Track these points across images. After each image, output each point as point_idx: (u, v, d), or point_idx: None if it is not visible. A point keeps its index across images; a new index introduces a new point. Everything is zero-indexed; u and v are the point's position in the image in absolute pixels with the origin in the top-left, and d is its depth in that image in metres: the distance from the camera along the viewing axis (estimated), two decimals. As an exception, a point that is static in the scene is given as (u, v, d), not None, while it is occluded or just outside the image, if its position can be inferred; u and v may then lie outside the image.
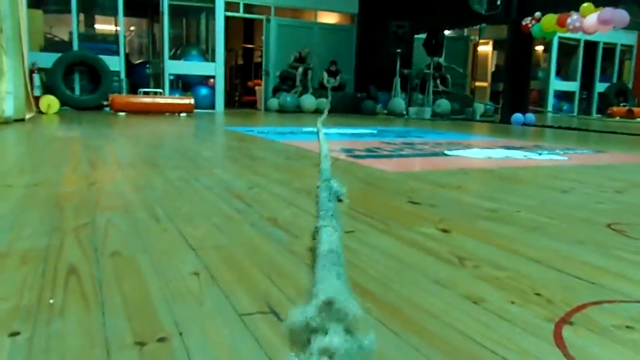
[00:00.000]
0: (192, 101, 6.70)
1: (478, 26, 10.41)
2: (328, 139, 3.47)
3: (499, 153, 3.24)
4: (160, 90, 7.43)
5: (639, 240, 1.28)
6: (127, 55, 9.66)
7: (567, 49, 11.63)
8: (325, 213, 1.26)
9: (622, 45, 12.12)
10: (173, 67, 8.29)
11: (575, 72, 11.69)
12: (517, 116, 7.30)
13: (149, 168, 2.21)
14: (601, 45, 11.77)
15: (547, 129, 6.72)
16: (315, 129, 4.92)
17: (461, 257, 1.09)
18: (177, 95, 7.61)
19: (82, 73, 7.71)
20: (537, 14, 7.00)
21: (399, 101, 9.38)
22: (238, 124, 5.74)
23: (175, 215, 1.38)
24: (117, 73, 7.90)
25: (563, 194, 1.89)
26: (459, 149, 3.39)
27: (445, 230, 1.30)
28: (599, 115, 11.70)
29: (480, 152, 3.25)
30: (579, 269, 1.03)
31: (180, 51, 8.87)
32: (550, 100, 11.32)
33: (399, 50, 9.31)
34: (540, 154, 3.21)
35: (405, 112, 9.32)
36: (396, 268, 1.02)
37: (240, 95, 13.06)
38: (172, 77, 8.47)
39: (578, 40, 11.44)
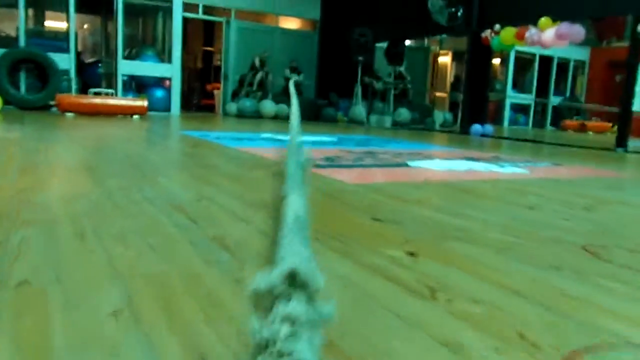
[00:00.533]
0: (145, 103, 6.42)
1: (438, 37, 10.51)
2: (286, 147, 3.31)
3: (461, 165, 3.17)
4: (112, 91, 7.10)
5: (616, 266, 1.18)
6: (79, 54, 9.26)
7: (523, 63, 11.90)
8: (293, 179, 1.19)
9: (575, 60, 12.50)
10: (127, 67, 7.96)
11: (531, 86, 11.97)
12: (476, 127, 7.36)
13: (87, 175, 2.00)
14: (556, 60, 12.10)
15: (505, 140, 6.79)
16: (273, 135, 4.77)
17: (432, 287, 0.96)
18: (130, 97, 7.30)
19: (28, 71, 7.29)
20: (497, 26, 7.08)
21: (359, 109, 9.33)
22: (194, 128, 5.51)
23: (106, 232, 1.20)
24: (67, 72, 7.51)
25: (530, 210, 1.81)
26: (421, 160, 3.30)
27: (412, 254, 1.18)
28: (553, 128, 12.01)
29: (442, 164, 3.17)
30: (561, 302, 0.92)
31: (135, 51, 8.54)
32: (507, 113, 11.54)
33: (360, 58, 9.27)
34: (501, 167, 3.16)
35: (366, 120, 9.28)
36: (358, 301, 0.88)
37: (199, 99, 12.74)
38: (125, 78, 8.14)
39: (534, 55, 11.72)
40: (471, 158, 3.64)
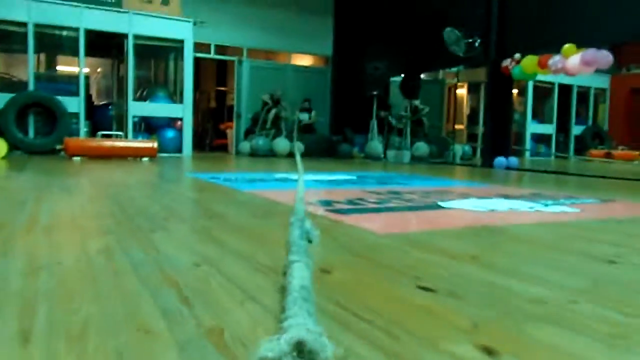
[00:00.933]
0: (154, 145, 6.20)
1: (455, 69, 10.27)
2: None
3: (500, 204, 2.81)
4: (120, 133, 6.90)
5: None
6: (89, 97, 9.19)
7: (542, 92, 11.59)
8: (298, 249, 1.18)
9: (595, 88, 12.16)
10: (137, 108, 7.80)
11: (551, 115, 11.62)
12: (500, 160, 7.00)
13: (68, 233, 1.69)
14: (575, 89, 11.78)
15: (532, 173, 6.40)
16: (287, 175, 4.46)
17: None
18: (139, 139, 7.10)
19: (37, 115, 7.15)
20: (517, 55, 6.81)
21: (376, 144, 9.04)
22: (204, 170, 5.24)
23: (62, 326, 0.87)
24: (76, 115, 7.36)
25: (610, 265, 1.44)
26: (454, 200, 2.95)
27: (490, 351, 0.82)
28: (577, 158, 11.59)
29: (478, 203, 2.82)
30: None
31: (146, 92, 8.40)
32: (528, 143, 11.16)
33: (375, 92, 9.05)
34: (545, 205, 2.80)
35: (382, 156, 8.98)
36: None
37: (212, 139, 12.59)
38: (136, 119, 7.98)
39: (552, 84, 11.42)
40: (507, 195, 3.28)
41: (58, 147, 6.09)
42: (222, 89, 14.78)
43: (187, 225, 1.89)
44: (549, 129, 11.56)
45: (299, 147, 8.77)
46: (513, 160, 7.12)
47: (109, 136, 6.78)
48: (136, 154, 6.17)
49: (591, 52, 5.98)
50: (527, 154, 11.08)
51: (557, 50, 6.28)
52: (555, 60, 6.29)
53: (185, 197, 2.85)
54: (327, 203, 2.61)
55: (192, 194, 3.00)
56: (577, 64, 6.10)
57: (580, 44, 6.07)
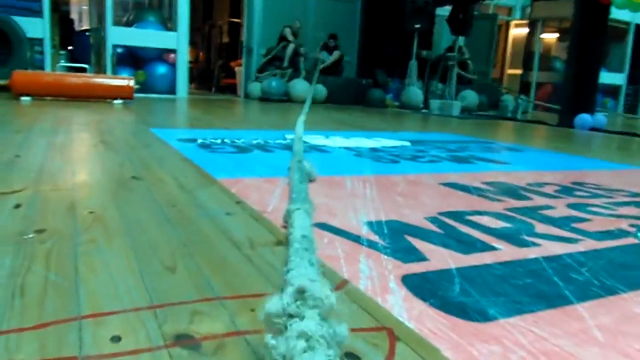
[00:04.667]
0: (130, 83, 4.64)
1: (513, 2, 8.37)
2: (332, 159, 1.48)
3: None
4: (85, 66, 5.36)
5: None
6: (70, 22, 7.59)
7: (613, 35, 9.64)
8: (298, 195, 1.15)
9: (678, 31, 10.14)
10: (119, 35, 6.17)
11: (622, 63, 9.73)
12: (584, 118, 5.33)
13: None
14: (654, 31, 9.81)
15: (631, 137, 4.76)
16: (304, 134, 2.90)
17: None
18: (116, 75, 5.56)
19: (-12, 40, 5.61)
20: (622, -24, 5.02)
21: (416, 91, 7.37)
22: (188, 122, 3.71)
23: None
24: (40, 41, 5.80)
25: None
26: (654, 221, 1.40)
27: None
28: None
29: None
30: None
31: (133, 16, 6.75)
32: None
33: (417, 26, 7.28)
34: None
35: (422, 105, 7.33)
36: None
37: (219, 78, 10.96)
38: (121, 50, 6.37)
39: (627, 24, 9.48)
40: None
41: (3, 82, 4.60)
42: (237, 20, 12.97)
43: None
44: (619, 79, 9.69)
45: (316, 89, 7.17)
46: (600, 118, 5.45)
47: (81, 70, 5.24)
48: (107, 94, 4.64)
49: None
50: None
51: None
52: (684, -19, 4.52)
53: (64, 213, 1.31)
54: (396, 231, 1.08)
55: (103, 195, 1.47)
56: None
57: None
